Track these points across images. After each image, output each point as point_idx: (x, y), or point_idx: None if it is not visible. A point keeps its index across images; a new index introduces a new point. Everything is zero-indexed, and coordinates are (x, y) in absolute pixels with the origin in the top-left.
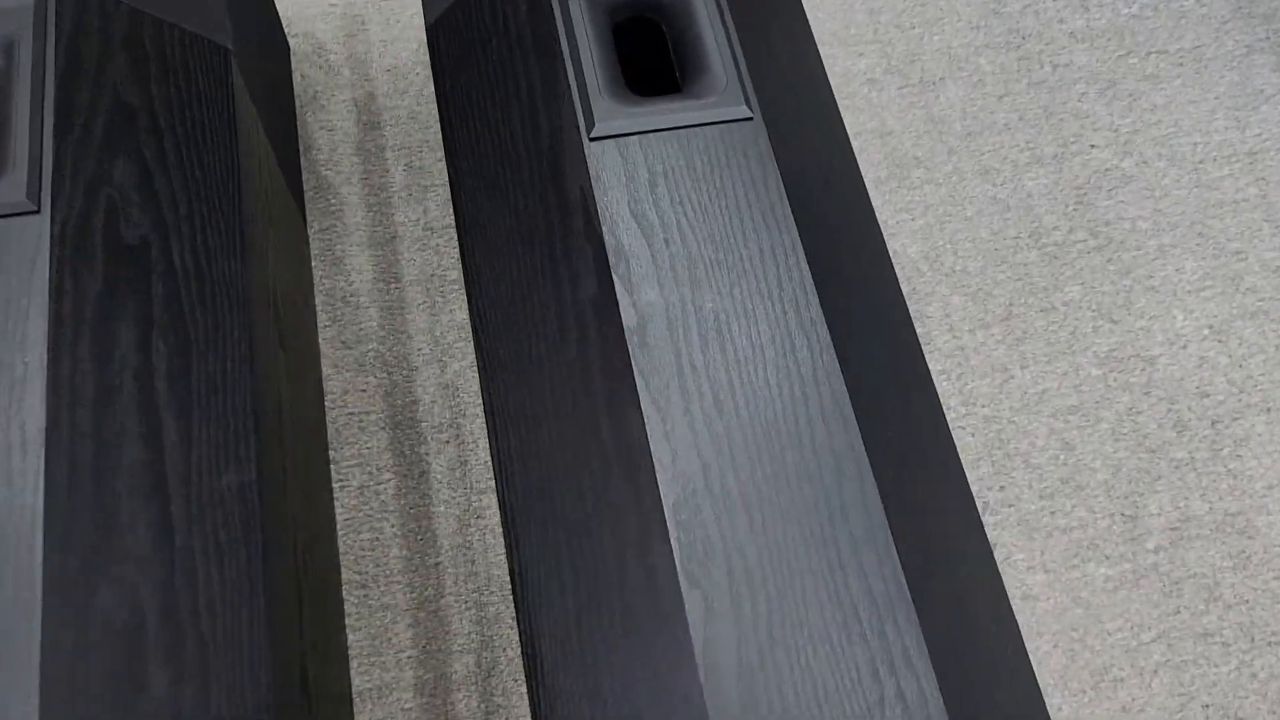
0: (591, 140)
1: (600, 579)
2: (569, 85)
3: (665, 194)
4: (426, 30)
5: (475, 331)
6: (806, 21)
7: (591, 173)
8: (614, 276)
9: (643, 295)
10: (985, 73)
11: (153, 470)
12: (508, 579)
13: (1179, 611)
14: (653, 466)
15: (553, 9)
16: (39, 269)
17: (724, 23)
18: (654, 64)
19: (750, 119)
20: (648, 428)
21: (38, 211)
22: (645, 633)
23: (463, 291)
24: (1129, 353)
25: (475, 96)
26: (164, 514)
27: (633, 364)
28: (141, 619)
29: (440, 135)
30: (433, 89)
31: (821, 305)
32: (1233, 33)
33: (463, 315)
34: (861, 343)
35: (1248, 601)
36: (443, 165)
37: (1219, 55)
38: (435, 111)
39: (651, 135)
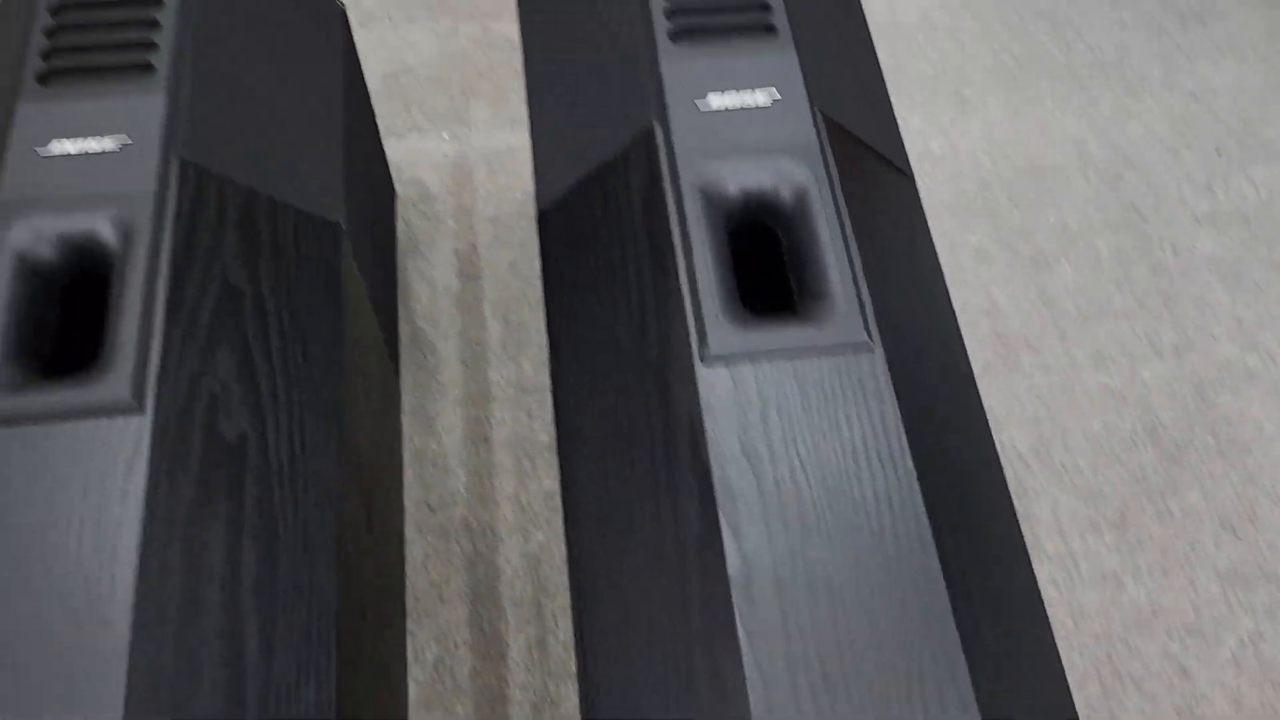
0: (704, 363)
1: None
2: (683, 299)
3: (778, 427)
4: (538, 213)
5: (570, 547)
6: (924, 216)
7: (702, 398)
8: (720, 516)
9: (749, 542)
10: (1102, 254)
11: (232, 691)
12: None
13: None
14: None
15: (668, 211)
16: (136, 473)
17: (844, 233)
18: (765, 268)
19: (870, 349)
20: (750, 698)
21: (141, 412)
22: None
23: (552, 458)
24: (1253, 570)
25: (583, 291)
26: None
27: (737, 620)
28: None
29: (541, 294)
30: (535, 241)
31: (941, 562)
32: None
33: (550, 484)
34: (982, 606)
35: None
36: (540, 322)
37: None
38: (536, 266)
39: (765, 361)
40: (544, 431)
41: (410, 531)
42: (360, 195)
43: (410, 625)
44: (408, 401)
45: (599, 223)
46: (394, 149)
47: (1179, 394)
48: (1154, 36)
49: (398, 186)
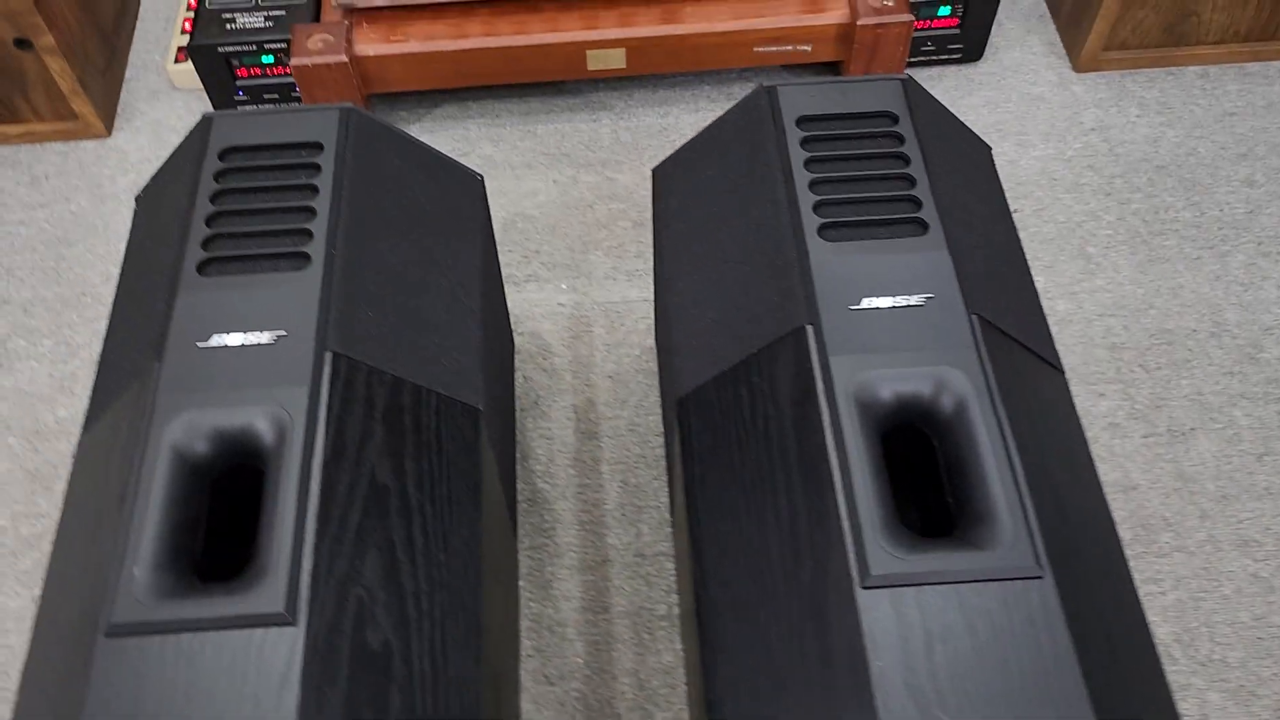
0: (864, 589)
1: None
2: (840, 518)
3: (943, 663)
4: (676, 404)
5: None
6: (1075, 409)
7: (864, 628)
8: None
9: None
10: (1241, 426)
11: None
12: None
13: None
14: None
15: (821, 417)
16: (290, 685)
17: (1006, 447)
18: (917, 474)
19: (1040, 576)
20: None
21: (294, 623)
22: None
23: (673, 630)
24: None
25: (727, 498)
26: None
27: None
28: None
29: (662, 451)
30: (653, 398)
31: None
32: None
33: (670, 658)
34: None
35: None
36: (659, 484)
37: None
38: (654, 424)
39: (929, 587)
40: (662, 602)
41: (526, 703)
42: (494, 369)
43: None
44: (525, 564)
45: (745, 425)
46: (513, 299)
47: None
48: None
49: (516, 337)
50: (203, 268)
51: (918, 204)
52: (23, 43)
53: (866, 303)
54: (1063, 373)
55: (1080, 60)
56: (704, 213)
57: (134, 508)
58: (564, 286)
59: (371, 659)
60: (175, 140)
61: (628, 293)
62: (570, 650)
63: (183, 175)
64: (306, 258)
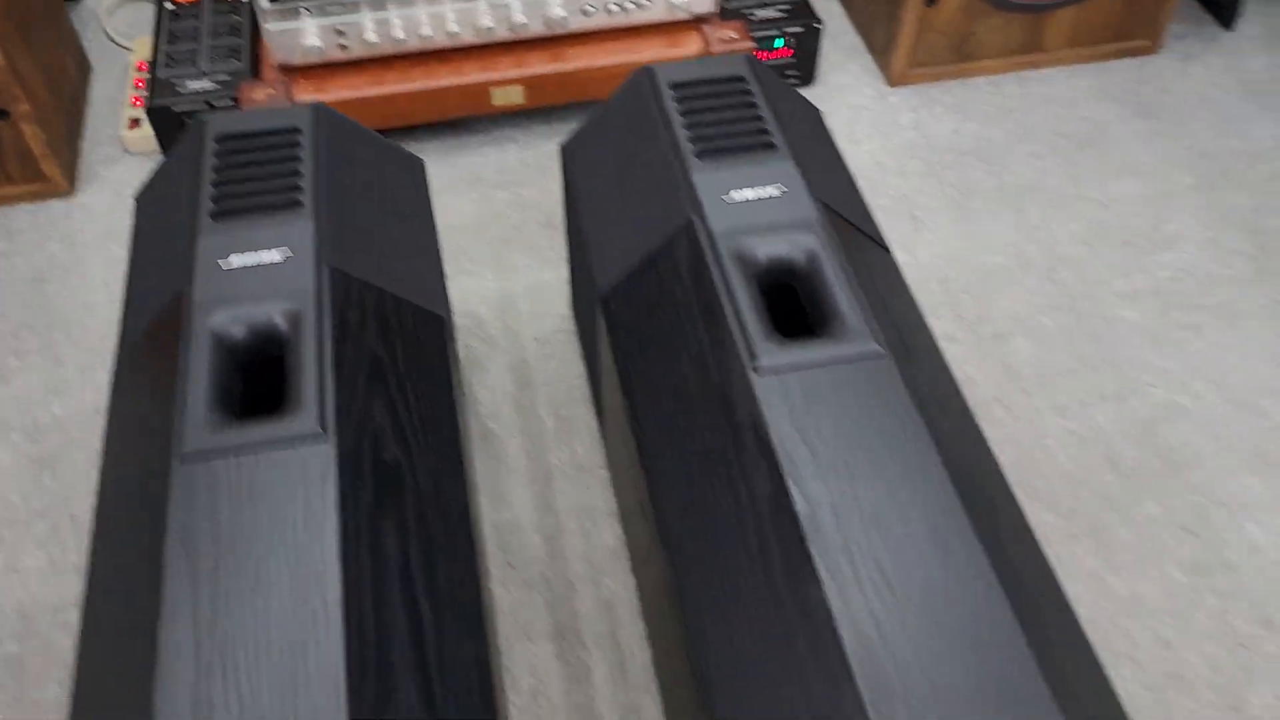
0: (758, 375)
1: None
2: (734, 335)
3: (822, 413)
4: (600, 303)
5: (662, 540)
6: (903, 279)
7: (759, 399)
8: (785, 476)
9: (810, 489)
10: (1048, 329)
11: (416, 641)
12: None
13: None
14: (832, 619)
15: (713, 277)
16: (329, 486)
17: (848, 281)
18: (790, 315)
19: (883, 356)
20: (825, 591)
21: (327, 440)
22: None
23: (612, 519)
24: (1212, 561)
25: (649, 351)
26: (425, 678)
27: (807, 542)
28: None
29: (586, 390)
30: (574, 352)
31: (959, 499)
32: (1257, 291)
33: (612, 540)
34: (990, 525)
35: None
36: (587, 413)
37: (1248, 309)
38: (579, 371)
39: (804, 370)
40: (601, 499)
41: (496, 586)
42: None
43: (504, 660)
44: (483, 482)
45: (656, 298)
46: (449, 289)
47: (1129, 430)
48: (1063, 162)
49: (454, 318)
50: (216, 216)
51: (768, 134)
52: (1, 113)
53: (736, 195)
54: (890, 253)
55: (892, 77)
56: (605, 165)
57: (188, 371)
58: (489, 276)
59: (387, 470)
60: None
61: (544, 276)
62: (528, 542)
63: (186, 160)
64: (300, 204)
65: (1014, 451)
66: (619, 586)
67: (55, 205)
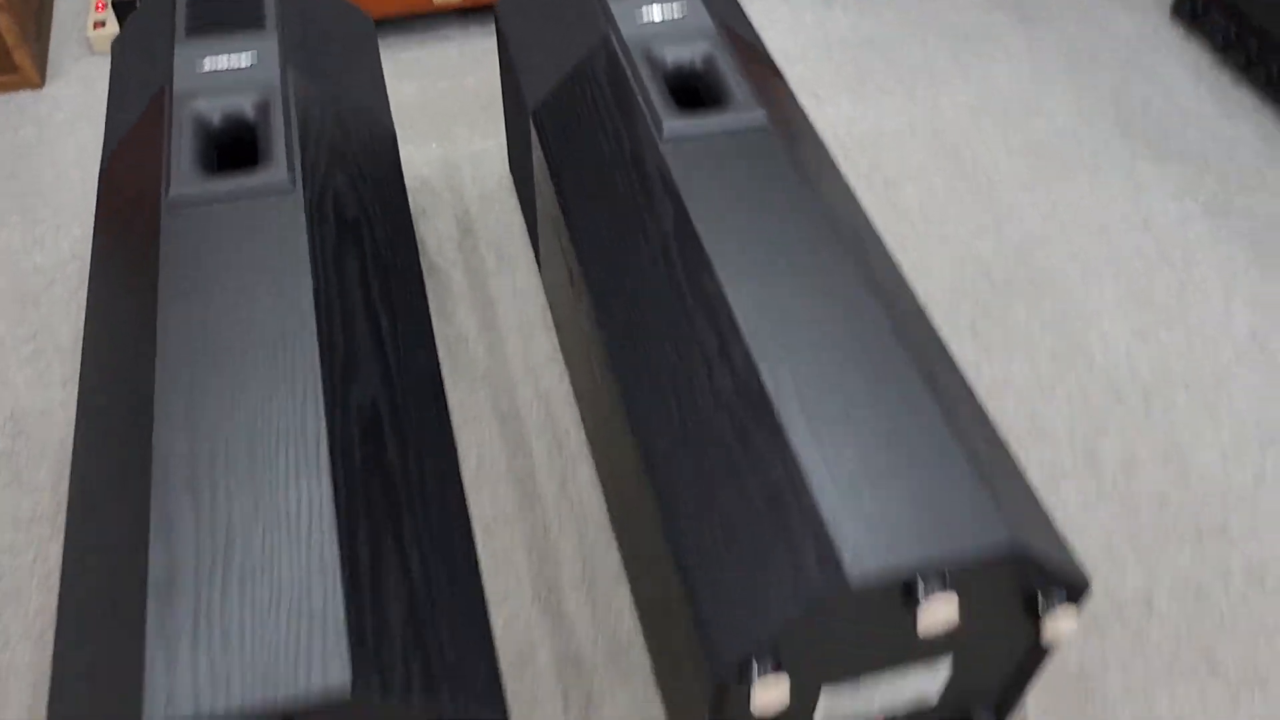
0: (663, 140)
1: (696, 381)
2: (644, 114)
3: (716, 164)
4: (532, 116)
5: (586, 277)
6: (789, 86)
7: (665, 155)
8: (687, 206)
9: (710, 214)
10: (935, 180)
11: (379, 351)
12: (603, 517)
13: (1139, 515)
14: (728, 304)
15: (627, 77)
16: (299, 230)
17: (741, 74)
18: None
19: (766, 127)
20: (720, 280)
21: (294, 191)
22: (736, 411)
23: (549, 331)
24: (1072, 347)
25: (574, 145)
26: (386, 372)
27: (705, 250)
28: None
29: (525, 236)
30: (513, 204)
31: (830, 228)
32: (1119, 146)
33: (549, 347)
34: (859, 251)
35: (1188, 505)
36: (526, 252)
37: (1109, 162)
38: (518, 220)
39: (697, 135)
40: (538, 318)
41: (447, 388)
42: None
43: (456, 439)
44: (433, 304)
45: (578, 103)
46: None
47: (1003, 253)
48: (950, 51)
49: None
50: (190, 32)
51: None
52: None
53: (646, 15)
54: (780, 73)
55: None
56: (533, 12)
57: (172, 140)
58: (434, 145)
59: (349, 222)
60: (101, 89)
61: (484, 145)
62: (473, 352)
63: (161, 2)
64: (264, 24)
65: (905, 270)
66: (555, 383)
67: (25, 96)
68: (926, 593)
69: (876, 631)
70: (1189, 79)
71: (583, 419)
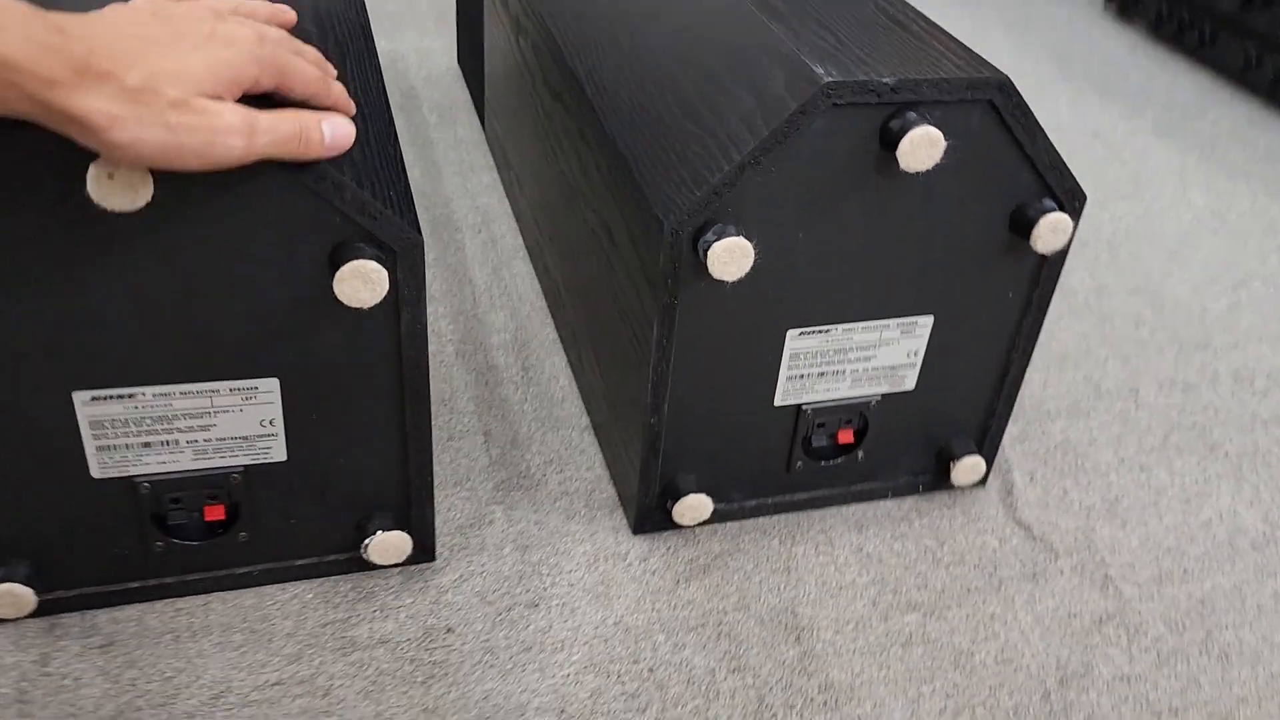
0: None
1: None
2: None
3: None
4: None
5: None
6: None
7: None
8: None
9: None
10: None
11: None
12: (540, 301)
13: (1116, 328)
14: None
15: None
16: None
17: None
18: None
19: None
20: None
21: None
22: None
23: (490, 171)
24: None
25: None
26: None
27: None
28: None
29: (470, 107)
30: (460, 87)
31: None
32: (1062, 84)
33: (489, 180)
34: None
35: (1164, 324)
36: (469, 116)
37: (1052, 99)
38: (465, 98)
39: None
40: (479, 163)
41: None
42: None
43: None
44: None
45: None
46: None
47: None
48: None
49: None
50: None
51: None
52: None
53: None
54: None
55: None
56: None
57: None
58: (381, 41)
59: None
60: None
61: (433, 44)
62: (417, 181)
63: None
64: None
65: None
66: (494, 203)
67: None
68: (908, 126)
69: (848, 192)
70: (1126, 53)
71: (522, 235)
